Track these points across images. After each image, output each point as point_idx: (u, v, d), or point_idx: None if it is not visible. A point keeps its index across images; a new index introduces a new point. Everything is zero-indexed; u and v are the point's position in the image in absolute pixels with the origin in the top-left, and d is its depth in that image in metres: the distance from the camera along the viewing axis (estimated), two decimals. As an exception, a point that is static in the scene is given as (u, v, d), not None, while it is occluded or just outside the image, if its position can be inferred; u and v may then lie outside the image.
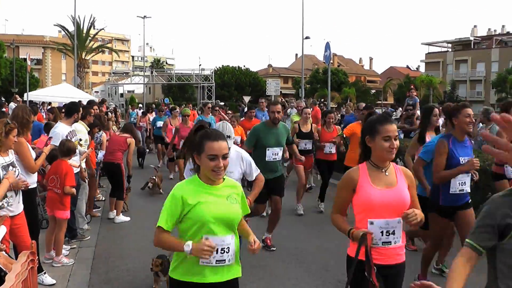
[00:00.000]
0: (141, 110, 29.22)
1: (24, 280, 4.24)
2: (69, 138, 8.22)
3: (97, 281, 7.10)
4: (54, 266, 7.55)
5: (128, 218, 10.76)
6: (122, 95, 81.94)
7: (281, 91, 55.00)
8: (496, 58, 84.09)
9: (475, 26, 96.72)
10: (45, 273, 6.96)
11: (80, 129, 9.47)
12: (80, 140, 9.18)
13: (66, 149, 7.74)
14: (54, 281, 7.00)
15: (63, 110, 9.86)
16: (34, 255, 4.71)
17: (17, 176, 6.04)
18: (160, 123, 18.50)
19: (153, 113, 24.90)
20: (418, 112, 16.82)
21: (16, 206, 6.09)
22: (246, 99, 43.50)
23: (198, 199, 3.62)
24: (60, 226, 7.61)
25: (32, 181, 6.83)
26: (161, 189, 13.32)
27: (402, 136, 16.34)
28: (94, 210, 10.94)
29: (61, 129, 8.41)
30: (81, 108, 9.05)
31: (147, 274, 7.28)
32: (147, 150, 18.44)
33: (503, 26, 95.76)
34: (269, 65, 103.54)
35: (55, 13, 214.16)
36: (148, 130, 23.14)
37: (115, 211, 10.70)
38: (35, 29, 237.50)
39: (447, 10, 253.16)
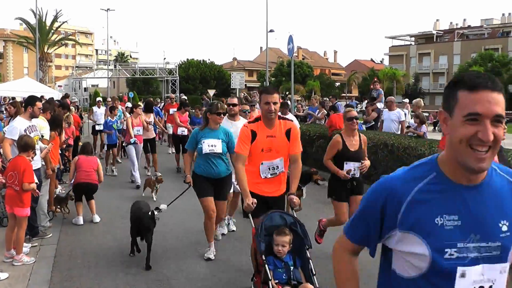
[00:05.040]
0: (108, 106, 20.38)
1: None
2: (27, 132, 8.06)
3: (59, 279, 6.98)
4: (15, 265, 7.39)
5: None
6: (86, 89, 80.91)
7: (246, 84, 55.03)
8: (458, 51, 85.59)
9: (437, 20, 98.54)
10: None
11: (44, 125, 9.30)
12: (43, 136, 9.03)
13: (24, 143, 7.56)
14: (7, 275, 6.91)
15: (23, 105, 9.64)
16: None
17: None
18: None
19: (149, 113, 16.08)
20: (378, 105, 16.98)
21: None
22: (211, 92, 43.42)
23: None
24: (20, 224, 7.46)
25: None
26: None
27: (364, 128, 16.39)
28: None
29: (18, 123, 8.24)
30: (38, 103, 8.71)
31: (109, 271, 7.23)
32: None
33: (464, 20, 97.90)
34: (234, 58, 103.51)
35: (16, 5, 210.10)
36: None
37: (81, 216, 10.07)
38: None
39: (410, 4, 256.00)
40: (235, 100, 9.16)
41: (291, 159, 6.19)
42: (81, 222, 9.95)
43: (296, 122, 10.68)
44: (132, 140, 13.78)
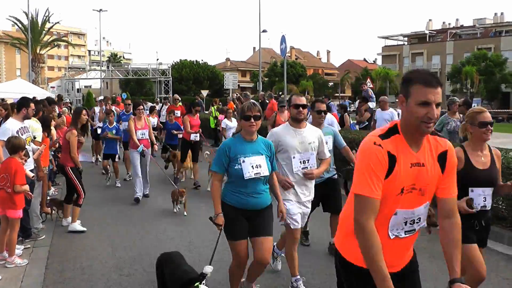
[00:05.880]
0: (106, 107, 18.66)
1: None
2: (20, 134, 8.03)
3: (52, 281, 6.94)
4: (7, 267, 7.34)
5: (82, 228, 9.52)
6: (79, 90, 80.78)
7: (239, 85, 55.02)
8: (450, 51, 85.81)
9: (430, 20, 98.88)
10: None
11: (37, 127, 9.27)
12: (35, 138, 8.99)
13: (11, 145, 7.49)
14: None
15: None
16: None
17: None
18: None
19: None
20: (369, 104, 17.46)
21: None
22: (204, 93, 43.41)
23: None
24: (12, 226, 7.42)
25: None
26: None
27: (357, 128, 16.84)
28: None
29: (10, 125, 8.20)
30: (32, 104, 8.71)
31: (102, 273, 7.20)
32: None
33: (457, 20, 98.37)
34: (227, 59, 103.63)
35: (8, 6, 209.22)
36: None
37: (69, 218, 9.76)
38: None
39: (403, 4, 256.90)
40: (304, 100, 6.25)
41: (442, 208, 3.33)
42: (65, 223, 9.77)
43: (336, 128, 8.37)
44: (139, 149, 11.90)
